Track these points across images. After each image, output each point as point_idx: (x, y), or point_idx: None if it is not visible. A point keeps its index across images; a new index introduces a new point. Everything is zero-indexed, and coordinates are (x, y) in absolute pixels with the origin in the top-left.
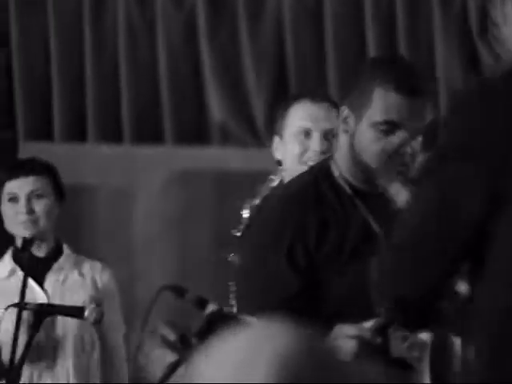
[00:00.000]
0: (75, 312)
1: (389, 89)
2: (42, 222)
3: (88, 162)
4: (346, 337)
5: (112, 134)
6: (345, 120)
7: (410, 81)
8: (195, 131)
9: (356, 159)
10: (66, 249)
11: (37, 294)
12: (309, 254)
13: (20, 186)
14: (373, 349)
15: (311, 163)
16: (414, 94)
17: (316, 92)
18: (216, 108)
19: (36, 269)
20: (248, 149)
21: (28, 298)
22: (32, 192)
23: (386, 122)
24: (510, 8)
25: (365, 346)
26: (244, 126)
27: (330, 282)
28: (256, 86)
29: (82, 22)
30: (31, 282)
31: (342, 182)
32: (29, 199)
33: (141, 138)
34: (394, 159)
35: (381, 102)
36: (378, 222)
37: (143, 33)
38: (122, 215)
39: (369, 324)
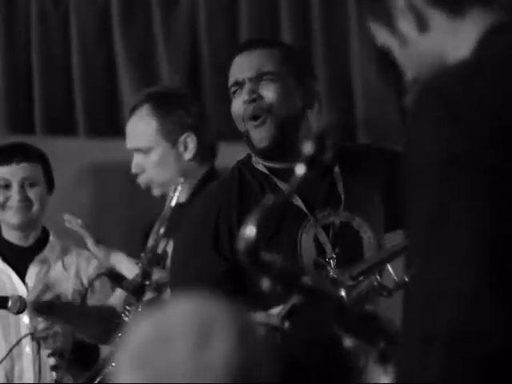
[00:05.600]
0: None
1: (234, 56)
2: (35, 210)
3: None
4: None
5: (24, 125)
6: None
7: (248, 40)
8: (108, 124)
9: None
10: (52, 238)
11: (18, 287)
12: (233, 236)
13: (13, 172)
14: (282, 334)
15: None
16: (246, 48)
17: None
18: (130, 101)
19: (20, 260)
20: None
21: (9, 291)
22: (26, 179)
23: (233, 85)
24: (404, 26)
25: (273, 333)
26: None
27: None
28: (170, 80)
29: None
30: (13, 274)
31: (258, 165)
32: (22, 186)
33: (53, 129)
34: (247, 111)
35: (230, 70)
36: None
37: (56, 25)
38: None
39: (277, 310)
